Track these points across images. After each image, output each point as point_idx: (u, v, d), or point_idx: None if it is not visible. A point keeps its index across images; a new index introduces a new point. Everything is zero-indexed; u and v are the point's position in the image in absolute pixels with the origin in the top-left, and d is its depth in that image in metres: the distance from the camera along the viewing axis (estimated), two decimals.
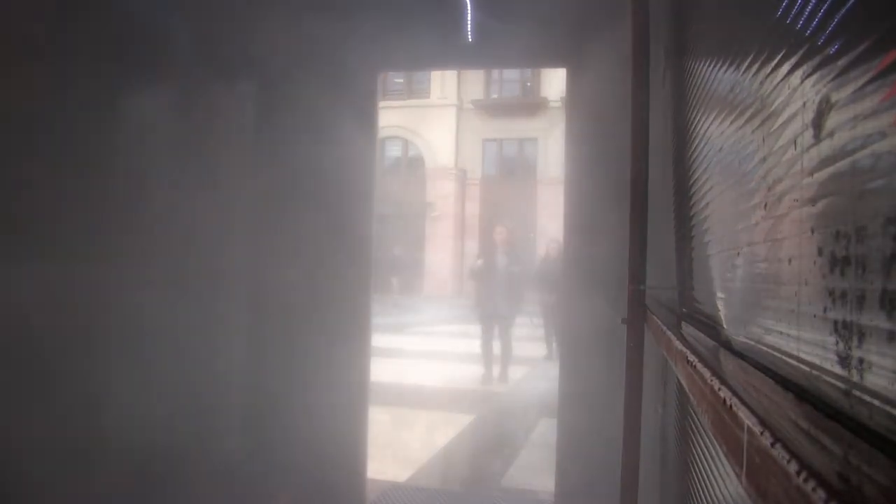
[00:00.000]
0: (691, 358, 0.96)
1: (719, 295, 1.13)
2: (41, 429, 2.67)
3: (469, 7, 2.83)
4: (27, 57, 2.70)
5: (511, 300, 7.21)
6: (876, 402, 0.47)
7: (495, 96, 19.90)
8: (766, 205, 0.78)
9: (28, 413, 2.66)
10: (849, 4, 0.55)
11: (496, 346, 7.28)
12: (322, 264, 2.89)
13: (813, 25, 0.62)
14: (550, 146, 18.29)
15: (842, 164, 0.54)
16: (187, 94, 2.97)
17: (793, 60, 0.67)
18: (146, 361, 2.85)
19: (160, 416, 2.74)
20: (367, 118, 3.00)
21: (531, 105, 19.24)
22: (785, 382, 0.69)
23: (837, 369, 0.55)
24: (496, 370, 7.24)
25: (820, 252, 0.59)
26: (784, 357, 0.71)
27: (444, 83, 19.38)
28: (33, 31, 2.70)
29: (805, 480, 0.42)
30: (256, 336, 2.92)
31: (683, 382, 1.10)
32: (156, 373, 2.83)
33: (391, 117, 17.83)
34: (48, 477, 2.55)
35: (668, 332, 1.34)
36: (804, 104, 0.63)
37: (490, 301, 7.13)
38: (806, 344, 0.64)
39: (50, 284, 2.73)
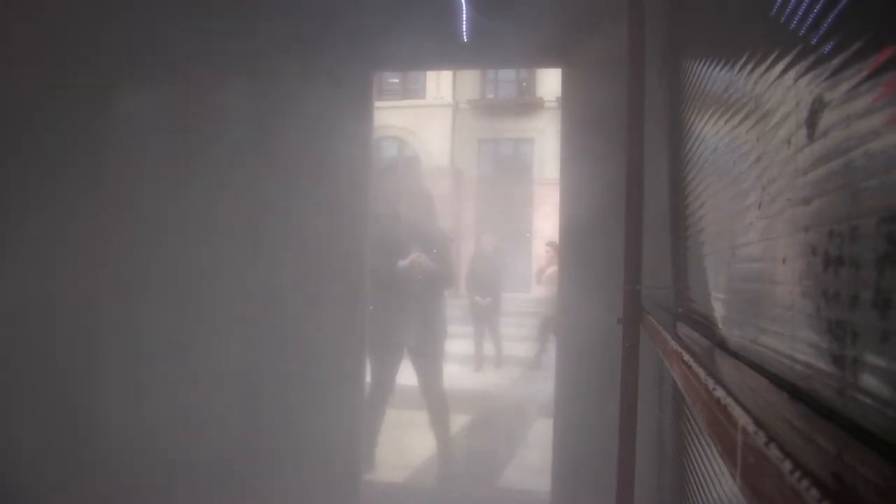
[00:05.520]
0: (686, 357, 0.96)
1: (714, 294, 1.13)
2: (36, 429, 2.66)
3: (464, 7, 2.82)
4: (22, 55, 2.69)
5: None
6: (869, 402, 0.47)
7: (491, 96, 19.90)
8: (760, 204, 0.78)
9: (23, 413, 2.65)
10: (842, 4, 0.55)
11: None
12: (318, 264, 2.89)
13: (806, 25, 0.62)
14: (546, 146, 18.31)
15: (835, 164, 0.54)
16: (182, 95, 2.96)
17: (786, 60, 0.67)
18: (141, 361, 2.84)
19: (155, 417, 2.73)
20: (363, 118, 3.00)
21: (527, 105, 19.24)
22: (779, 382, 0.69)
23: (831, 369, 0.55)
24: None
25: (814, 251, 0.59)
26: (778, 356, 0.71)
27: (439, 83, 19.36)
28: (28, 30, 2.69)
29: (799, 480, 0.42)
30: (252, 336, 2.91)
31: (679, 382, 1.10)
32: (150, 373, 2.82)
33: (387, 117, 17.81)
34: (44, 477, 2.54)
35: (664, 332, 1.34)
36: (798, 104, 0.63)
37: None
38: (800, 343, 0.64)
39: (45, 283, 2.72)
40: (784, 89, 0.68)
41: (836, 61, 0.53)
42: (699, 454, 1.31)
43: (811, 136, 0.59)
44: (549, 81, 17.72)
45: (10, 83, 2.70)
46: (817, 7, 0.60)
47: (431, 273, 3.71)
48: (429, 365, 3.86)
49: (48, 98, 2.77)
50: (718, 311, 1.08)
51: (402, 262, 3.65)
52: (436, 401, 3.91)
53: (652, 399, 2.21)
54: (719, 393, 0.69)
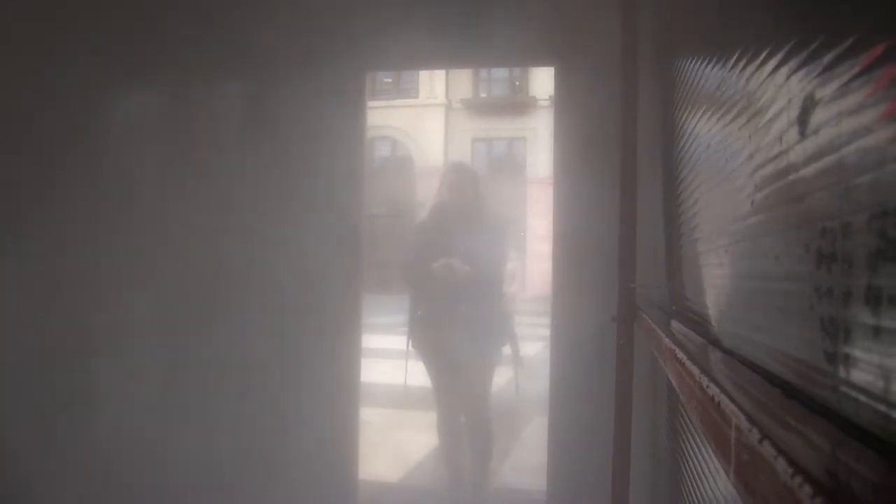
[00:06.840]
0: (680, 355, 0.96)
1: (708, 292, 1.14)
2: (31, 427, 2.65)
3: (457, 6, 2.82)
4: (21, 56, 2.68)
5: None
6: (862, 398, 0.47)
7: (484, 95, 19.89)
8: (752, 202, 0.78)
9: (20, 411, 2.64)
10: (833, 0, 0.55)
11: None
12: (312, 264, 2.88)
13: (797, 22, 0.62)
14: (540, 145, 18.31)
15: (827, 161, 0.54)
16: (174, 94, 2.95)
17: (778, 57, 0.67)
18: (134, 360, 2.83)
19: (148, 416, 2.73)
20: (356, 117, 2.99)
21: (520, 104, 19.24)
22: (773, 379, 0.69)
23: (824, 365, 0.55)
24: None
25: (806, 249, 0.59)
26: (772, 354, 0.71)
27: (432, 83, 19.34)
28: (24, 29, 2.68)
29: (792, 477, 0.42)
30: (245, 336, 2.90)
31: (673, 380, 1.10)
32: (144, 372, 2.81)
33: (380, 117, 17.79)
34: (39, 475, 2.53)
35: (658, 330, 1.35)
36: (789, 101, 0.63)
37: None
38: (793, 340, 0.64)
39: (40, 281, 2.71)
40: (776, 87, 0.68)
41: (827, 58, 0.53)
42: (693, 452, 1.32)
43: (803, 133, 0.59)
44: (542, 80, 17.73)
45: (9, 83, 2.69)
46: (808, 3, 0.60)
47: (470, 276, 3.15)
48: (472, 378, 3.31)
49: (47, 98, 2.76)
50: (712, 308, 1.08)
51: (436, 265, 3.18)
52: (475, 425, 3.36)
53: (646, 397, 2.21)
54: (713, 390, 0.69)
